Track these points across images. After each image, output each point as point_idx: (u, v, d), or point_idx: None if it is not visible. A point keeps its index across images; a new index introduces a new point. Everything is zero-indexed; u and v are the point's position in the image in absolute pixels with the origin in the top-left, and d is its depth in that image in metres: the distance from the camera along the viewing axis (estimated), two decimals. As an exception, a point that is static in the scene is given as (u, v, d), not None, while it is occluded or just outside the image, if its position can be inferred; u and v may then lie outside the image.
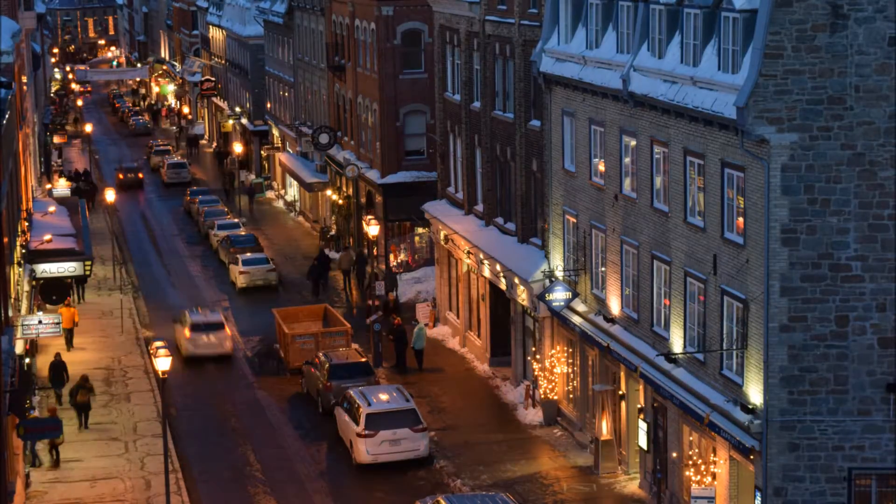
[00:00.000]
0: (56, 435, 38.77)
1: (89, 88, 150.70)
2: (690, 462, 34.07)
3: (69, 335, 54.17)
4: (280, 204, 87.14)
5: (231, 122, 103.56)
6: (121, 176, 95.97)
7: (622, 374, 38.21)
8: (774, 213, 29.56)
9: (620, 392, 38.51)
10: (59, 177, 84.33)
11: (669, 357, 34.17)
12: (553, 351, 43.33)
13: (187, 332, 52.23)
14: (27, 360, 44.86)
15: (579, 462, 40.24)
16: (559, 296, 41.13)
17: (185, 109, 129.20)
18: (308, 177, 74.25)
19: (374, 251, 62.69)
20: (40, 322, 41.82)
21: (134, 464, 41.33)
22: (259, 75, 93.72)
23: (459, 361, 50.99)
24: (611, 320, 38.47)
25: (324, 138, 70.50)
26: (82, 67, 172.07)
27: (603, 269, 39.41)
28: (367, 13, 63.05)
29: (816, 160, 29.52)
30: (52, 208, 55.00)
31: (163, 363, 36.44)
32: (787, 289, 29.76)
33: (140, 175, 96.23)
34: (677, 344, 34.44)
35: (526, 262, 44.34)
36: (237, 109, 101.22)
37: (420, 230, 62.12)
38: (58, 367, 47.54)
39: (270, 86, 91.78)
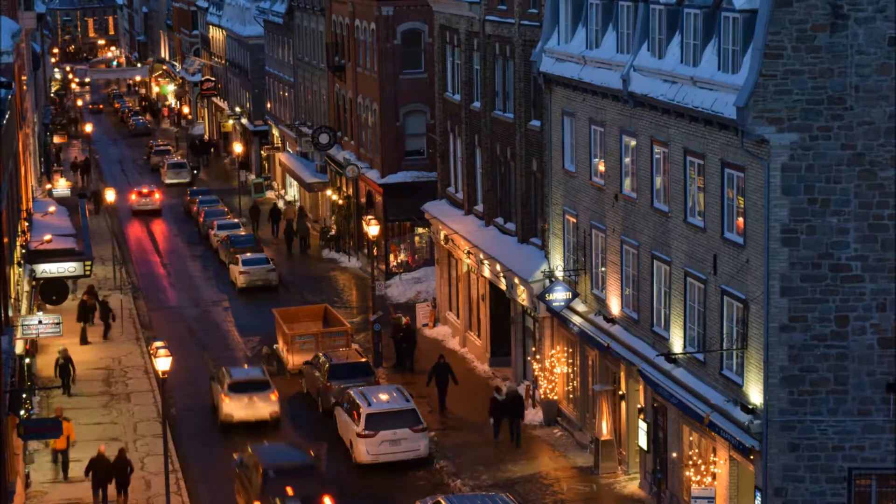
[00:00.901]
0: (56, 435, 38.74)
1: (101, 107, 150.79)
2: (690, 462, 34.06)
3: (61, 458, 40.44)
4: (280, 204, 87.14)
5: (231, 122, 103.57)
6: (90, 106, 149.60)
7: (622, 374, 38.20)
8: (774, 213, 29.56)
9: (620, 392, 38.50)
10: (60, 176, 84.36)
11: (669, 357, 34.15)
12: (553, 351, 43.32)
13: (134, 197, 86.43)
14: (27, 360, 44.86)
15: (579, 462, 40.23)
16: (559, 296, 41.12)
17: (185, 109, 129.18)
18: (308, 177, 74.26)
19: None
20: (40, 322, 41.85)
21: (134, 464, 41.26)
22: (259, 75, 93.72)
23: (459, 361, 50.94)
24: (611, 320, 38.46)
25: (324, 138, 70.51)
26: (82, 67, 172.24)
27: (603, 269, 39.40)
28: (367, 13, 63.06)
29: (816, 160, 29.51)
30: (52, 208, 55.02)
31: (163, 363, 36.42)
32: (787, 289, 29.75)
33: (101, 106, 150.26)
34: (677, 344, 34.43)
35: (526, 262, 44.34)
36: (237, 109, 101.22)
37: (420, 230, 62.14)
38: None
39: (270, 86, 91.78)
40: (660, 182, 35.27)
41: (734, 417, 31.04)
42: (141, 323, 58.62)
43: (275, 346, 52.92)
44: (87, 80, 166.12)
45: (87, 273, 47.98)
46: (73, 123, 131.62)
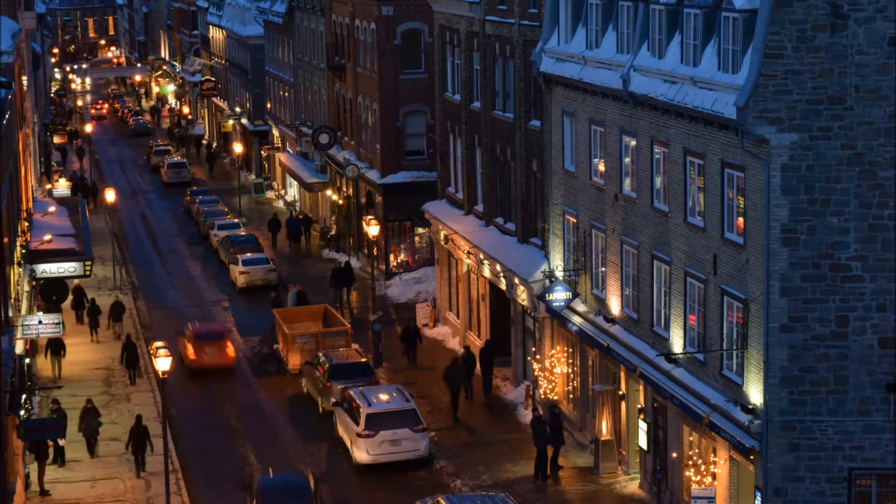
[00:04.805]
0: (56, 435, 38.73)
1: (104, 111, 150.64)
2: (690, 462, 34.06)
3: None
4: (280, 204, 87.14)
5: (231, 122, 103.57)
6: (92, 111, 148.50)
7: (622, 374, 38.20)
8: (774, 213, 29.55)
9: (620, 392, 38.50)
10: (60, 177, 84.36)
11: (669, 357, 34.15)
12: (553, 351, 43.32)
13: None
14: (27, 360, 44.84)
15: (579, 462, 40.22)
16: (559, 296, 41.12)
17: (185, 109, 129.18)
18: (308, 177, 74.26)
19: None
20: (40, 322, 41.81)
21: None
22: (259, 75, 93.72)
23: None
24: (611, 320, 38.46)
25: (324, 138, 70.51)
26: (82, 67, 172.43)
27: (603, 269, 39.40)
28: (367, 13, 63.06)
29: (816, 160, 29.51)
30: (52, 208, 54.99)
31: (163, 363, 36.43)
32: (787, 289, 29.75)
33: (105, 112, 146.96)
34: (677, 344, 34.43)
35: (526, 262, 44.33)
36: (237, 109, 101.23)
37: (420, 230, 62.13)
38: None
39: (270, 86, 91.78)
40: (660, 182, 35.28)
41: (734, 417, 31.04)
42: (141, 323, 58.62)
43: (275, 346, 52.93)
44: (86, 76, 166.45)
45: (87, 273, 47.96)
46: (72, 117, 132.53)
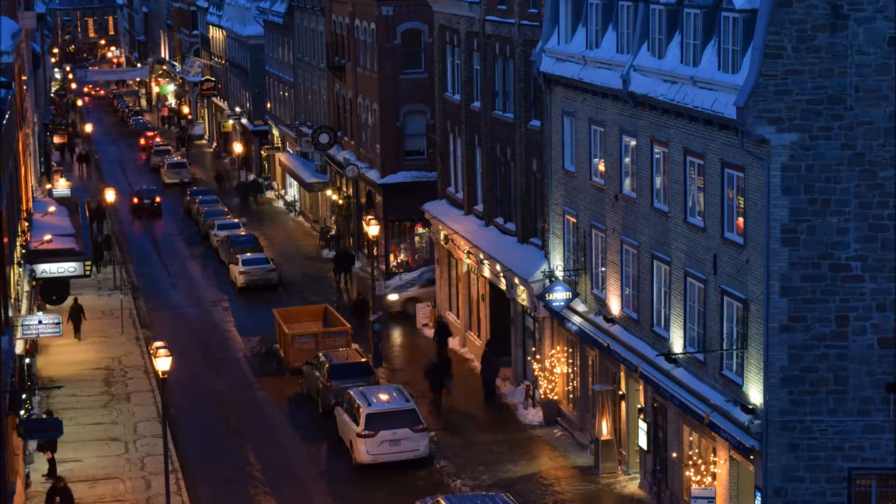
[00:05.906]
0: (56, 435, 38.72)
1: (101, 91, 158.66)
2: (690, 462, 34.06)
3: None
4: (280, 204, 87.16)
5: (231, 122, 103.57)
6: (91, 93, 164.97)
7: (622, 374, 38.20)
8: (774, 213, 29.55)
9: (620, 392, 38.50)
10: (60, 176, 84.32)
11: (669, 357, 34.15)
12: (553, 351, 43.32)
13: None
14: (27, 360, 44.84)
15: (579, 462, 40.24)
16: (559, 296, 41.12)
17: (185, 109, 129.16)
18: (308, 177, 74.28)
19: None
20: (40, 322, 41.81)
21: (134, 464, 41.32)
22: (259, 75, 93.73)
23: (459, 361, 50.96)
24: (611, 320, 38.46)
25: (324, 138, 70.52)
26: (82, 69, 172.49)
27: (603, 269, 39.40)
28: (367, 13, 63.06)
29: (816, 160, 29.50)
30: (52, 208, 54.99)
31: (163, 363, 36.42)
32: (787, 289, 29.74)
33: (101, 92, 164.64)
34: (677, 344, 34.43)
35: (526, 262, 44.33)
36: (237, 109, 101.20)
37: (420, 230, 62.13)
38: None
39: (270, 86, 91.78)
40: (660, 182, 35.27)
41: (734, 417, 31.04)
42: (141, 323, 58.61)
43: (275, 346, 52.92)
44: (87, 80, 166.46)
45: (88, 273, 47.96)
46: (73, 118, 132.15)
